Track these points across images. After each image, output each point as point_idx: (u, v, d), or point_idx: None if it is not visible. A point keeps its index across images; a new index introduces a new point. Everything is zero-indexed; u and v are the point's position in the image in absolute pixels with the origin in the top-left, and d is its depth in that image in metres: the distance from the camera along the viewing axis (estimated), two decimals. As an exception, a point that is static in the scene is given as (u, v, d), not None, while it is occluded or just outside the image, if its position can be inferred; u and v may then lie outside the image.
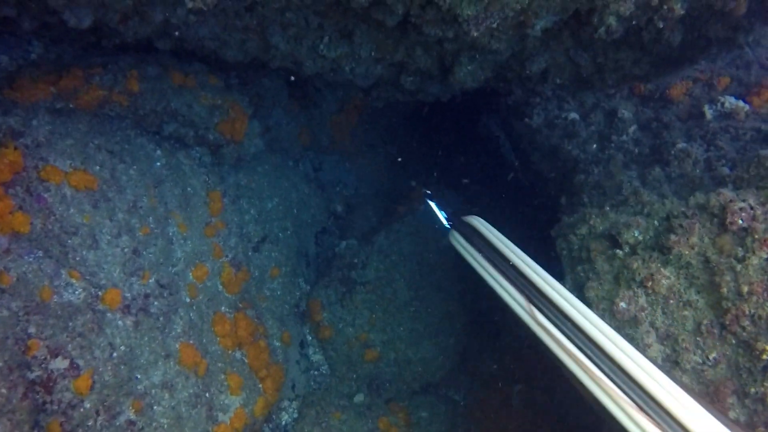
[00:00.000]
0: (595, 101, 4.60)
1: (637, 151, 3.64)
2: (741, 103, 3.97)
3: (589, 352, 1.55)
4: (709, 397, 1.80)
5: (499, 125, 5.88)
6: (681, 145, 3.24)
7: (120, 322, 2.92)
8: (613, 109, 4.40)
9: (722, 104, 3.99)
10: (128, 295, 2.98)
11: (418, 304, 4.48)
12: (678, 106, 4.35)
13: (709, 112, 3.98)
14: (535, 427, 4.27)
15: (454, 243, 2.59)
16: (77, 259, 2.79)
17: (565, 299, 1.67)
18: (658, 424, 1.32)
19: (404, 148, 6.28)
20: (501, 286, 1.97)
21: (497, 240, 2.21)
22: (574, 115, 4.47)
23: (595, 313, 1.61)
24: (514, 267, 1.93)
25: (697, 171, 2.76)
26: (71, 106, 3.05)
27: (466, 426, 4.57)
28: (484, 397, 4.66)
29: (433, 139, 6.28)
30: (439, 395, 4.68)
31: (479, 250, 2.22)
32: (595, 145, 4.05)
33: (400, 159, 6.10)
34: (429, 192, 3.03)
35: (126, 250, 3.01)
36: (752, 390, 1.71)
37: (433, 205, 2.93)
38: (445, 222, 2.82)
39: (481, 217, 2.56)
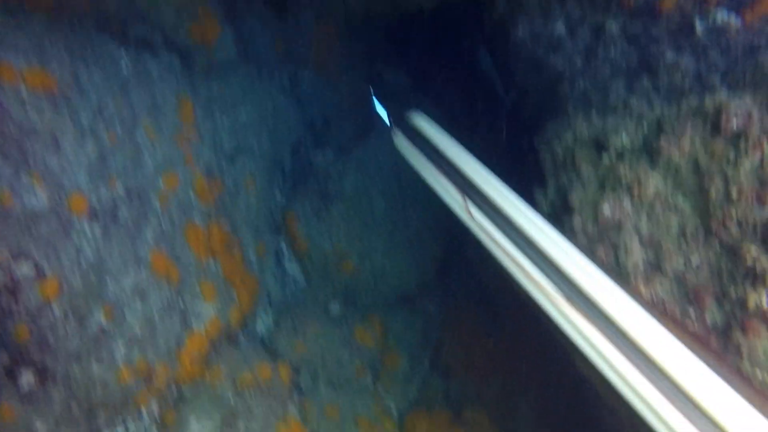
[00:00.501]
0: (581, 15, 4.43)
1: (624, 64, 3.53)
2: (733, 18, 3.85)
3: (523, 247, 1.50)
4: (688, 301, 1.79)
5: (481, 42, 5.69)
6: (670, 56, 3.13)
7: (87, 229, 2.82)
8: (601, 22, 4.25)
9: (713, 18, 3.87)
10: (95, 201, 2.87)
11: (396, 217, 4.44)
12: (667, 20, 4.21)
13: (699, 26, 3.86)
14: (508, 340, 4.34)
15: (397, 143, 2.45)
16: (39, 163, 2.65)
17: (503, 195, 1.59)
18: (585, 314, 1.29)
19: (386, 67, 6.07)
20: (438, 182, 1.88)
21: (438, 137, 2.09)
22: (560, 28, 4.31)
23: (531, 207, 1.53)
24: (452, 165, 1.83)
25: (687, 82, 2.68)
26: (26, 7, 2.81)
27: (440, 337, 4.65)
28: (458, 308, 4.72)
29: (416, 59, 6.09)
30: (414, 307, 4.72)
31: (419, 148, 2.11)
32: (580, 59, 3.92)
33: (380, 74, 5.90)
34: (371, 90, 2.82)
35: (91, 155, 2.87)
36: (732, 293, 1.70)
37: (375, 101, 2.75)
38: (386, 119, 2.66)
39: (426, 113, 2.42)
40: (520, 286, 1.51)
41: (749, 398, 1.07)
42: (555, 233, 1.44)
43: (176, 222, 3.36)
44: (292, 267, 4.44)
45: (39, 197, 2.62)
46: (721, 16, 3.83)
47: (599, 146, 2.12)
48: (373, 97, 2.80)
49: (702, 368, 1.14)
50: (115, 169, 3.00)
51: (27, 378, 2.63)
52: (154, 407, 3.23)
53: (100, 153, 2.90)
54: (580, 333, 1.29)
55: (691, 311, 1.75)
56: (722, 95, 1.83)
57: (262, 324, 4.10)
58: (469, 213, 1.65)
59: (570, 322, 1.32)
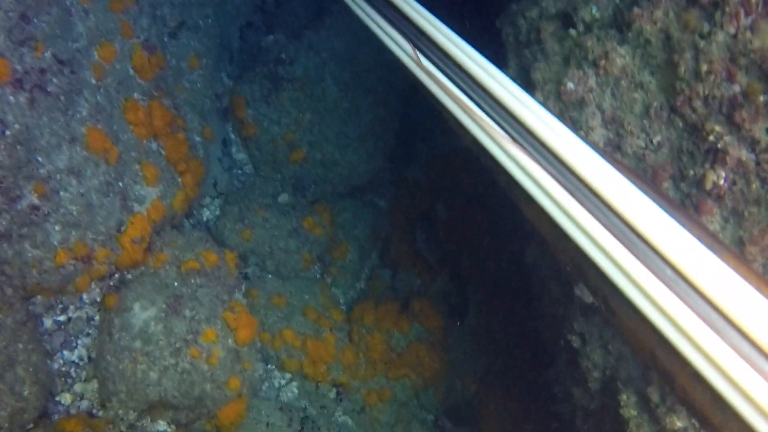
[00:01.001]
0: None
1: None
2: None
3: (470, 92, 1.44)
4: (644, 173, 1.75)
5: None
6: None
7: (11, 98, 2.58)
8: None
9: None
10: (19, 67, 2.61)
11: (348, 106, 4.27)
12: None
13: None
14: (458, 235, 4.36)
15: None
16: (-49, 18, 2.37)
17: (452, 41, 1.51)
18: (531, 155, 1.23)
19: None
20: (386, 34, 1.79)
21: None
22: None
23: (478, 53, 1.45)
24: (400, 12, 1.74)
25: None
26: None
27: (387, 230, 4.64)
28: (406, 203, 4.69)
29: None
30: (364, 199, 4.67)
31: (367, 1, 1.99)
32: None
33: None
34: None
35: (11, 14, 2.58)
36: (690, 173, 1.67)
37: None
38: None
39: None
40: (470, 139, 1.43)
41: (690, 228, 1.04)
42: (508, 80, 1.36)
43: (113, 97, 3.13)
44: (239, 154, 4.28)
45: (-47, 58, 2.36)
46: None
47: (567, 20, 2.01)
48: None
49: (649, 204, 1.09)
50: (42, 34, 2.72)
51: (-47, 256, 2.47)
52: (96, 292, 3.13)
53: (21, 12, 2.60)
54: (530, 176, 1.23)
55: (648, 191, 1.71)
56: (701, -37, 1.71)
57: (208, 211, 3.98)
58: (419, 61, 1.56)
59: (519, 165, 1.26)
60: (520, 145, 1.25)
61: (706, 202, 1.66)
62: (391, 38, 1.75)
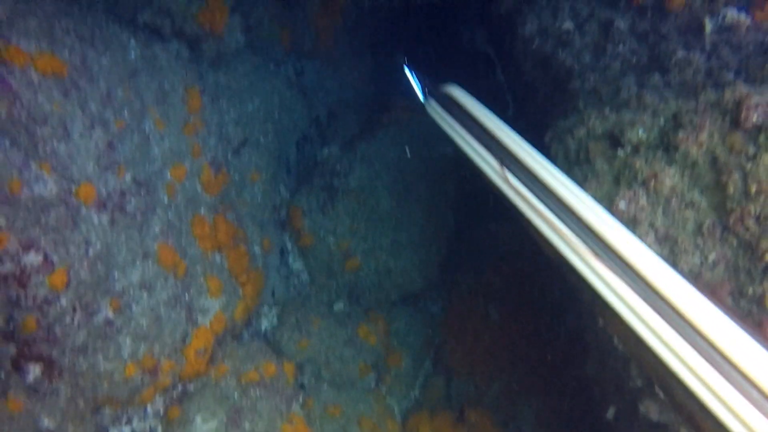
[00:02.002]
0: (590, 11, 4.42)
1: (634, 60, 3.52)
2: (743, 16, 3.84)
3: (555, 208, 1.54)
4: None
5: (485, 38, 5.68)
6: (681, 53, 3.12)
7: (95, 219, 2.80)
8: (609, 19, 4.23)
9: (723, 17, 3.85)
10: (103, 190, 2.85)
11: (401, 215, 4.42)
12: (676, 18, 4.20)
13: (709, 25, 3.84)
14: (513, 342, 4.33)
15: (430, 111, 2.52)
16: (48, 150, 2.63)
17: (537, 161, 1.64)
18: (616, 271, 1.32)
19: (390, 56, 6.06)
20: (474, 150, 1.92)
21: (472, 106, 2.15)
22: (568, 24, 4.30)
23: (562, 172, 1.57)
24: (488, 132, 1.88)
25: (699, 78, 2.66)
26: (35, -14, 2.80)
27: (443, 337, 4.63)
28: (462, 309, 4.70)
29: (420, 49, 6.07)
30: (417, 306, 4.70)
31: (454, 117, 2.17)
32: (589, 55, 3.91)
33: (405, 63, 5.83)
34: (406, 61, 2.93)
35: (100, 143, 2.85)
36: (749, 290, 1.68)
37: (408, 74, 2.84)
38: (419, 93, 2.74)
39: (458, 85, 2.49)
40: (542, 241, 1.53)
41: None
42: (591, 200, 1.48)
43: (183, 214, 3.34)
44: (296, 263, 4.42)
45: (48, 185, 2.60)
46: (731, 14, 3.82)
47: (614, 141, 2.11)
48: (406, 68, 2.86)
49: (728, 323, 1.15)
50: (123, 158, 2.98)
51: (34, 371, 2.61)
52: (159, 404, 3.21)
53: (108, 141, 2.88)
54: (612, 290, 1.32)
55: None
56: (742, 88, 1.81)
57: (266, 320, 4.08)
58: (506, 179, 1.68)
59: (600, 278, 1.35)
60: (604, 260, 1.34)
61: (768, 318, 1.67)
62: (479, 155, 1.88)
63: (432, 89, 2.60)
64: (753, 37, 3.54)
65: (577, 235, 1.45)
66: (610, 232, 1.38)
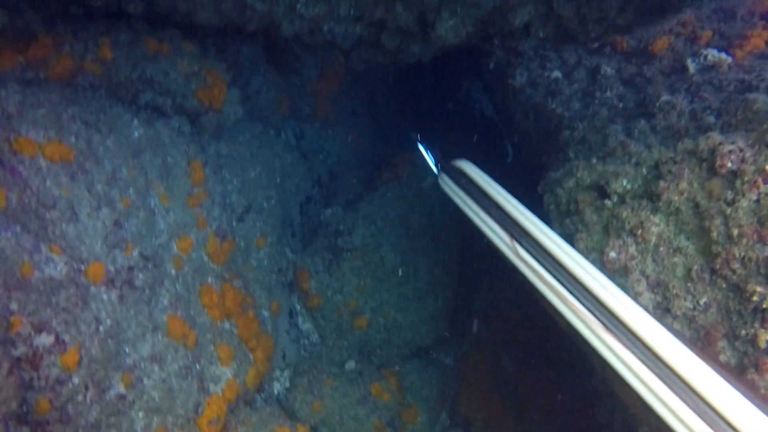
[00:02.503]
0: (577, 59, 4.56)
1: (621, 105, 3.62)
2: (724, 56, 3.95)
3: (565, 282, 1.61)
4: (700, 342, 1.80)
5: (480, 89, 5.84)
6: (665, 97, 3.21)
7: (105, 296, 2.87)
8: (596, 65, 4.37)
9: (705, 57, 3.97)
10: (111, 268, 2.93)
11: (406, 269, 4.47)
12: (660, 61, 4.33)
13: (692, 66, 3.97)
14: (528, 389, 4.31)
15: (443, 185, 2.65)
16: (57, 232, 2.72)
17: (546, 236, 1.72)
18: (625, 344, 1.39)
19: (386, 115, 6.21)
20: (486, 224, 2.02)
21: (483, 181, 2.27)
22: (557, 74, 4.43)
23: (571, 246, 1.64)
24: (498, 206, 1.98)
25: (683, 121, 2.74)
26: (42, 76, 2.96)
27: (457, 389, 4.61)
28: (475, 359, 4.68)
29: (416, 106, 6.23)
30: (429, 359, 4.70)
31: (466, 191, 2.29)
32: (578, 103, 4.02)
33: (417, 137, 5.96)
34: (418, 135, 3.10)
35: (107, 222, 2.95)
36: (743, 332, 1.71)
37: (422, 149, 3.00)
38: (433, 166, 2.90)
39: (470, 161, 2.62)
40: (554, 312, 1.60)
41: None
42: (599, 273, 1.56)
43: (190, 285, 3.40)
44: (305, 324, 4.46)
45: (58, 267, 2.68)
46: (712, 54, 3.94)
47: (601, 191, 2.17)
48: (419, 144, 3.04)
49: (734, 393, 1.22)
50: (130, 235, 3.06)
51: (47, 451, 2.63)
52: (174, 476, 3.21)
53: (115, 220, 2.97)
54: (620, 359, 1.38)
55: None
56: (715, 136, 1.88)
57: (278, 384, 4.09)
58: (517, 252, 1.76)
59: (609, 348, 1.41)
60: (613, 333, 1.40)
61: (765, 360, 1.69)
62: (491, 229, 1.98)
63: (444, 164, 2.74)
64: (734, 76, 3.65)
65: (588, 309, 1.52)
66: (620, 307, 1.45)
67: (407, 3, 2.87)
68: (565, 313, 1.58)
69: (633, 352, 1.39)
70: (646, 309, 1.43)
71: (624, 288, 1.98)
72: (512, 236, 1.86)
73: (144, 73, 3.30)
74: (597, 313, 1.51)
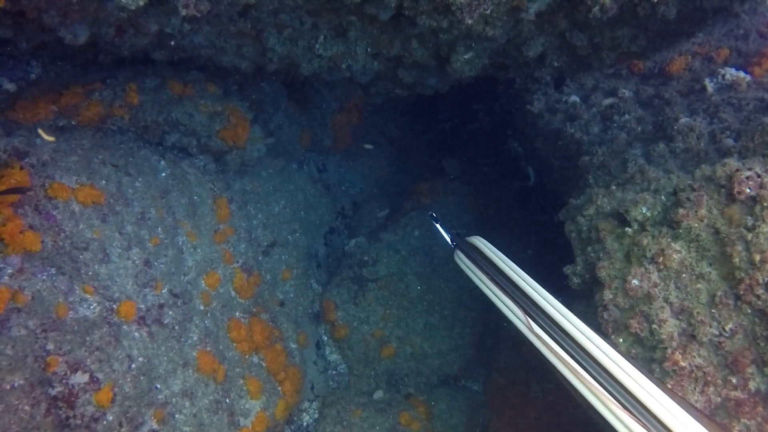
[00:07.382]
0: (594, 83, 4.59)
1: (640, 128, 3.63)
2: (742, 74, 3.95)
3: (578, 357, 1.65)
4: (728, 369, 1.79)
5: (499, 116, 5.88)
6: (684, 119, 3.22)
7: (136, 334, 2.94)
8: (613, 89, 4.39)
9: (723, 76, 3.98)
10: (142, 306, 3.00)
11: (431, 297, 4.48)
12: (678, 82, 4.34)
13: (710, 86, 3.97)
14: (557, 416, 4.26)
15: (458, 261, 2.75)
16: (90, 273, 2.81)
17: (558, 310, 1.78)
18: (640, 422, 1.41)
19: (406, 144, 6.29)
20: (500, 299, 2.09)
21: (496, 258, 2.37)
22: (574, 98, 4.46)
23: (583, 322, 1.68)
24: (511, 282, 2.06)
25: (702, 144, 2.75)
26: (73, 123, 3.08)
27: (486, 416, 4.57)
28: (503, 386, 4.65)
29: (436, 134, 6.30)
30: (457, 387, 4.68)
31: (480, 267, 2.38)
32: (597, 126, 4.04)
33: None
34: (434, 215, 3.24)
35: (137, 261, 3.03)
36: (771, 358, 1.70)
37: (438, 226, 3.12)
38: (449, 241, 3.01)
39: (483, 237, 2.71)
40: (568, 386, 1.63)
41: None
42: (612, 350, 1.59)
43: (219, 320, 3.46)
44: (333, 355, 4.48)
45: (91, 307, 2.76)
46: (730, 73, 3.94)
47: (621, 219, 2.18)
48: (434, 222, 3.19)
49: None
50: (160, 273, 3.14)
51: (84, 488, 2.68)
52: None
53: (145, 259, 3.05)
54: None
55: (733, 379, 1.75)
56: (732, 162, 1.89)
57: (308, 415, 4.10)
58: (530, 327, 1.82)
59: (624, 425, 1.43)
60: (628, 410, 1.42)
61: (794, 384, 1.68)
62: (504, 304, 2.04)
63: (458, 241, 2.84)
64: (753, 94, 3.64)
65: (601, 383, 1.54)
66: (633, 384, 1.47)
67: (422, 39, 2.93)
68: (579, 388, 1.62)
69: (648, 430, 1.41)
70: (661, 385, 1.44)
71: (648, 316, 1.98)
72: (525, 311, 1.92)
73: (170, 116, 3.41)
74: (610, 388, 1.54)
